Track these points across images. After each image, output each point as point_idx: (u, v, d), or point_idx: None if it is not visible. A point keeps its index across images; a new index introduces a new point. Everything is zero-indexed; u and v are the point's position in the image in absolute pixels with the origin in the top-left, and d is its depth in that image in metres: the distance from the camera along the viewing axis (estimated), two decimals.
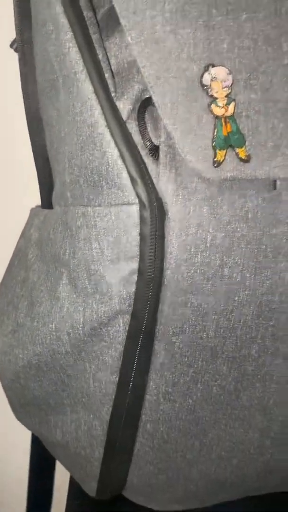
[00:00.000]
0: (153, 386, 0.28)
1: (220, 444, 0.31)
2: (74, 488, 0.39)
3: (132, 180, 0.23)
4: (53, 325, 0.28)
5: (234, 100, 0.23)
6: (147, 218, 0.23)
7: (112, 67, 0.25)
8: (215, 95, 0.23)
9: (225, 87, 0.23)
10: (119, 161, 0.23)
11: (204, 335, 0.27)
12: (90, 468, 0.33)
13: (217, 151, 0.23)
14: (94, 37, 0.24)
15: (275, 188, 0.25)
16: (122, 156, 0.23)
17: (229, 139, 0.23)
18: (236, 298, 0.26)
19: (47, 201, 0.33)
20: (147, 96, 0.24)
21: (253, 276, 0.25)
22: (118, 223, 0.24)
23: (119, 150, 0.23)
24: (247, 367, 0.28)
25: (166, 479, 0.32)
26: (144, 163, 0.24)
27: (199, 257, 0.25)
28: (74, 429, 0.32)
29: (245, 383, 0.29)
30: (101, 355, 0.27)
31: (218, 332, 0.27)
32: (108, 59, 0.25)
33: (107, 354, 0.27)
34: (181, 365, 0.27)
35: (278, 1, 0.23)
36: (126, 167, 0.23)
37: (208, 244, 0.24)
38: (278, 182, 0.25)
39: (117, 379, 0.28)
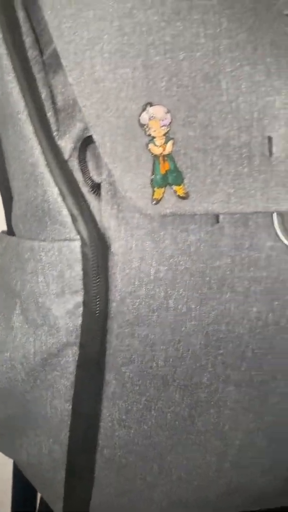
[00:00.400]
0: (107, 414, 0.28)
1: (178, 467, 0.32)
2: (43, 506, 0.39)
3: (73, 217, 0.24)
4: (8, 354, 0.28)
5: (172, 138, 0.23)
6: (89, 254, 0.24)
7: (59, 104, 0.26)
8: (153, 134, 0.23)
9: (163, 125, 0.23)
10: (59, 199, 0.24)
11: (154, 365, 0.27)
12: (55, 489, 0.34)
13: (155, 189, 0.23)
14: (39, 76, 0.25)
15: (218, 221, 0.25)
16: (62, 194, 0.24)
17: (167, 177, 0.23)
18: (183, 329, 0.26)
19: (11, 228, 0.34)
20: (89, 134, 0.24)
21: (198, 307, 0.26)
22: (61, 258, 0.24)
23: (59, 188, 0.24)
24: (199, 394, 0.29)
25: (127, 501, 0.33)
26: (85, 201, 0.24)
27: (144, 290, 0.25)
28: (37, 451, 0.33)
29: (199, 409, 0.29)
30: (54, 383, 0.28)
31: (168, 361, 0.27)
32: (52, 97, 0.25)
33: (60, 383, 0.28)
34: (133, 394, 0.28)
35: (216, 40, 0.24)
36: (66, 204, 0.24)
37: (152, 277, 0.25)
38: (221, 216, 0.25)
39: (70, 407, 0.28)
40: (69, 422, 0.29)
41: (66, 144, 0.25)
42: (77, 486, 0.32)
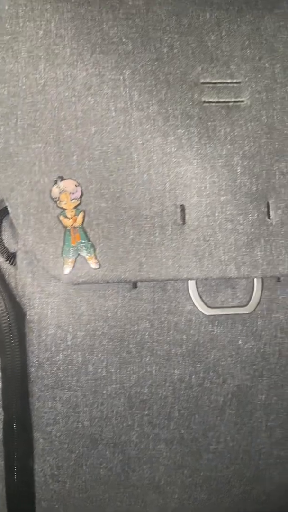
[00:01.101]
0: (39, 469, 0.29)
1: None
2: None
3: None
4: None
5: (83, 211, 0.24)
6: (2, 322, 0.25)
7: None
8: (64, 206, 0.24)
9: (73, 199, 0.24)
10: None
11: (80, 425, 0.27)
12: None
13: (66, 259, 0.24)
14: None
15: (135, 287, 0.26)
16: None
17: (78, 248, 0.24)
18: (104, 392, 0.27)
19: None
20: (5, 205, 0.25)
21: (118, 371, 0.26)
22: None
23: None
24: (130, 451, 0.29)
25: None
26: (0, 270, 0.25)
27: (61, 355, 0.26)
28: None
29: (132, 465, 0.29)
30: None
31: (93, 421, 0.27)
32: None
33: None
34: (62, 451, 0.28)
35: (127, 113, 0.24)
36: None
37: (69, 343, 0.25)
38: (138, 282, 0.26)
39: (3, 462, 0.29)
40: (3, 477, 0.30)
41: None
42: None
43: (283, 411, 0.29)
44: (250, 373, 0.28)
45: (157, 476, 0.30)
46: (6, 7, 0.25)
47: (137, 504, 0.31)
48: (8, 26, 0.25)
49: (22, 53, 0.24)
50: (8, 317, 0.25)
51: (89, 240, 0.24)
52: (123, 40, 0.25)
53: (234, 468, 0.31)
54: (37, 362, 0.26)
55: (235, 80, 0.26)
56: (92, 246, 0.24)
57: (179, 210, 0.25)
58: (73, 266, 0.24)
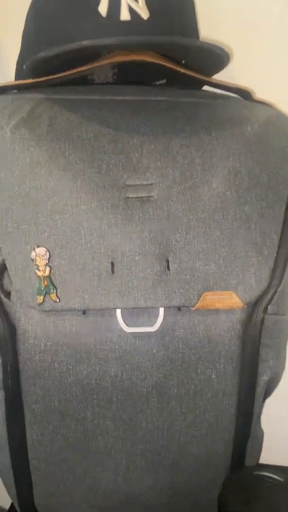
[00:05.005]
0: (29, 435, 0.44)
1: (87, 477, 0.46)
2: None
3: None
4: None
5: (49, 266, 0.39)
6: (1, 335, 0.40)
7: None
8: (38, 263, 0.40)
9: (44, 259, 0.40)
10: None
11: (52, 404, 0.42)
12: (11, 490, 0.49)
13: (37, 296, 0.39)
14: None
15: (84, 313, 0.40)
16: None
17: (45, 289, 0.39)
18: (66, 381, 0.41)
19: None
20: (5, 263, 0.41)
21: (74, 367, 0.41)
22: None
23: None
24: (87, 425, 0.43)
25: (56, 501, 0.47)
26: (1, 302, 0.41)
27: (37, 357, 0.41)
28: None
29: (90, 435, 0.43)
30: None
31: (61, 402, 0.42)
32: None
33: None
34: (42, 422, 0.43)
35: (77, 207, 0.40)
36: None
37: (42, 349, 0.40)
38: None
39: (6, 429, 0.44)
40: (7, 441, 0.44)
41: None
42: (22, 488, 0.47)
43: (190, 401, 0.42)
44: (163, 373, 0.41)
45: (109, 446, 0.44)
46: (8, 145, 0.41)
47: (98, 467, 0.45)
48: (9, 154, 0.41)
49: (16, 172, 0.41)
50: (4, 331, 0.40)
51: (53, 285, 0.39)
52: (78, 162, 0.41)
53: (162, 443, 0.44)
54: (23, 360, 0.41)
55: (149, 182, 0.41)
56: (55, 288, 0.39)
57: (110, 265, 0.40)
58: (43, 300, 0.39)
